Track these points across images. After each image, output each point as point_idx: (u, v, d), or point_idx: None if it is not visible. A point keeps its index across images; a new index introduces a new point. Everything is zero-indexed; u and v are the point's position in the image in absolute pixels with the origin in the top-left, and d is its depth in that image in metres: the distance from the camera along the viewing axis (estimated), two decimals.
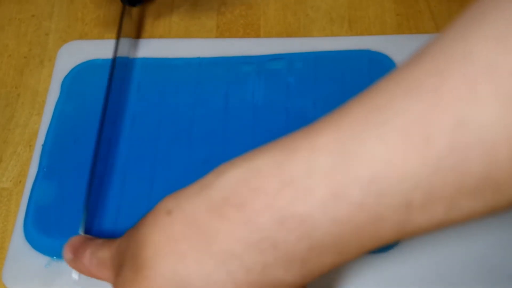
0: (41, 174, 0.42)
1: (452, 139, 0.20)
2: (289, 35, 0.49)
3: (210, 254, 0.24)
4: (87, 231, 0.39)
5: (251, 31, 0.50)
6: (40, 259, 0.39)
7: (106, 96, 0.42)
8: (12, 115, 0.47)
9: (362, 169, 0.21)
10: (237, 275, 0.24)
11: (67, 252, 0.34)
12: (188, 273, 0.25)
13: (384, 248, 0.38)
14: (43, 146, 0.44)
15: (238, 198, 0.24)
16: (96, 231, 0.40)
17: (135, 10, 0.51)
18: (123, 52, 0.47)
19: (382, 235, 0.23)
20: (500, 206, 0.21)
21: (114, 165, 0.43)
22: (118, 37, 0.45)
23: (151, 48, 0.48)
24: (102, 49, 0.49)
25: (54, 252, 0.39)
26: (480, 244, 0.38)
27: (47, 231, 0.40)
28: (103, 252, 0.32)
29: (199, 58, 0.47)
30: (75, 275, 0.37)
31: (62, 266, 0.38)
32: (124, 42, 0.47)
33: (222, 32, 0.50)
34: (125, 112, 0.45)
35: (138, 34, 0.50)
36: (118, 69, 0.47)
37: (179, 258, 0.25)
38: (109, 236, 0.35)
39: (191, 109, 0.45)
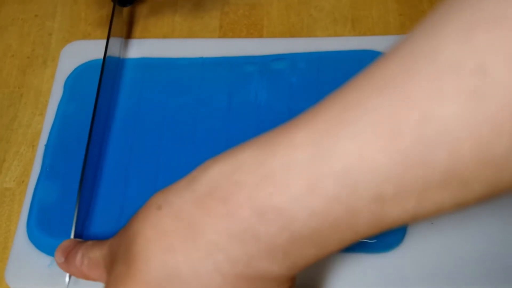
0: (44, 174, 0.42)
1: (418, 134, 0.21)
2: (292, 35, 0.49)
3: (197, 246, 0.25)
4: (90, 232, 0.39)
5: (254, 31, 0.50)
6: (43, 259, 0.39)
7: (96, 97, 0.43)
8: (15, 115, 0.47)
9: (335, 163, 0.23)
10: (223, 267, 0.25)
11: (58, 255, 0.35)
12: (178, 265, 0.26)
13: (386, 247, 0.38)
14: (46, 146, 0.44)
15: (221, 192, 0.25)
16: (98, 232, 0.40)
17: (127, 10, 0.51)
18: (117, 52, 0.47)
19: (359, 227, 0.24)
20: (469, 200, 0.22)
21: (117, 165, 0.43)
22: (108, 37, 0.45)
23: (155, 48, 0.48)
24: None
25: None
26: (480, 242, 0.38)
27: (50, 231, 0.40)
28: (94, 252, 0.33)
29: (202, 58, 0.47)
30: (67, 278, 0.37)
31: None
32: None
33: (225, 32, 0.50)
34: (128, 112, 0.45)
35: (129, 33, 0.50)
36: (118, 70, 0.47)
37: (168, 250, 0.26)
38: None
39: (194, 109, 0.45)
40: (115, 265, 0.29)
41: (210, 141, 0.43)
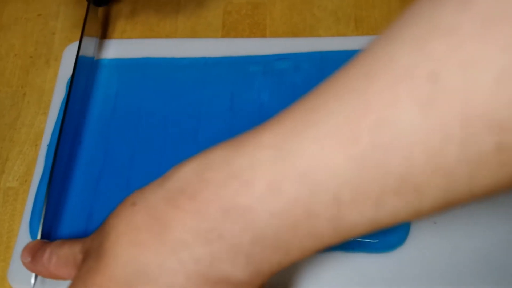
0: (47, 174, 0.42)
1: (374, 139, 0.22)
2: (295, 34, 0.49)
3: (164, 242, 0.26)
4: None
5: (257, 30, 0.50)
6: None
7: (67, 98, 0.43)
8: (18, 115, 0.47)
9: (296, 165, 0.23)
10: (188, 265, 0.26)
11: (24, 254, 0.35)
12: (145, 260, 0.26)
13: (388, 247, 0.38)
14: (49, 145, 0.44)
15: (190, 189, 0.26)
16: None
17: (128, 10, 0.51)
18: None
19: (318, 233, 0.24)
20: (424, 209, 0.23)
21: (117, 166, 0.43)
22: (81, 37, 0.45)
23: (157, 47, 0.48)
24: (108, 48, 0.49)
25: None
26: (483, 242, 0.38)
27: (52, 230, 0.40)
28: (63, 250, 0.33)
29: (204, 58, 0.47)
30: (32, 278, 0.37)
31: None
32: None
33: (228, 32, 0.50)
34: (129, 112, 0.45)
35: (132, 33, 0.50)
36: (118, 70, 0.47)
37: (137, 245, 0.27)
38: None
39: (197, 109, 0.45)
40: (86, 260, 0.29)
41: (213, 141, 0.42)
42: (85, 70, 0.46)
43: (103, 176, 0.42)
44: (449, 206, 0.23)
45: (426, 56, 0.21)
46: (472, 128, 0.20)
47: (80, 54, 0.45)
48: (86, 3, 0.48)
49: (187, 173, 0.26)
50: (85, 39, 0.46)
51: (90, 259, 0.29)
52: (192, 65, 0.47)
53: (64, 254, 0.33)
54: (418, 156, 0.21)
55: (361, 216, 0.23)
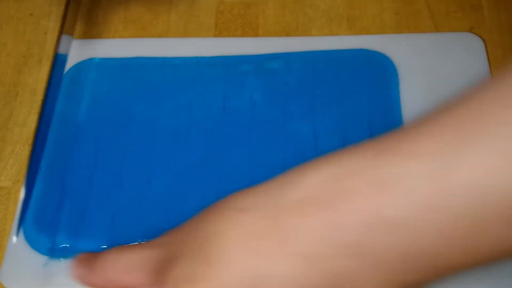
0: (32, 173, 0.42)
1: None
2: (287, 34, 0.49)
3: (288, 254, 0.24)
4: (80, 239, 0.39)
5: (250, 30, 0.50)
6: (38, 258, 0.39)
7: (45, 99, 0.42)
8: (10, 114, 0.47)
9: (464, 176, 0.21)
10: (319, 279, 0.24)
11: (77, 268, 0.32)
12: (264, 271, 0.24)
13: None
14: (35, 145, 0.44)
15: (324, 197, 0.24)
16: (91, 239, 0.40)
17: (123, 8, 0.51)
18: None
19: (480, 253, 0.22)
20: None
21: (109, 165, 0.42)
22: (61, 32, 0.44)
23: (149, 47, 0.48)
24: (100, 48, 0.49)
25: (52, 252, 0.39)
26: None
27: (45, 230, 0.40)
28: (131, 256, 0.30)
29: (196, 57, 0.47)
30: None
31: (60, 265, 0.39)
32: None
33: (220, 31, 0.50)
34: (121, 112, 0.45)
35: (124, 32, 0.50)
36: (111, 70, 0.47)
37: (254, 255, 0.25)
38: (109, 241, 0.38)
39: (189, 108, 0.44)
40: (179, 266, 0.27)
41: (205, 140, 0.43)
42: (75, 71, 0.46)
43: (95, 176, 0.42)
44: None
45: None
46: None
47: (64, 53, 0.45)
48: (76, 3, 0.48)
49: (319, 179, 0.24)
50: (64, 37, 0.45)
51: (186, 265, 0.27)
52: (184, 64, 0.47)
53: (135, 259, 0.30)
54: None
55: None
